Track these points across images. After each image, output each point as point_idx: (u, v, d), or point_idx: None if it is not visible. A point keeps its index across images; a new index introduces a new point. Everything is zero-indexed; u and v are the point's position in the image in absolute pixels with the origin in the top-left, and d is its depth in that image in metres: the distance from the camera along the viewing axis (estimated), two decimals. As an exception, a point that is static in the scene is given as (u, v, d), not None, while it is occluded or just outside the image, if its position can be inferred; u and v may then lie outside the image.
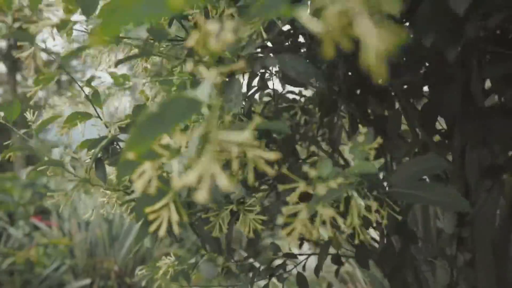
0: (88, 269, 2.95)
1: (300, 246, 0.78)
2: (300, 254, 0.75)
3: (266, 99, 0.90)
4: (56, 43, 0.43)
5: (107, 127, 0.48)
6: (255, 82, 0.58)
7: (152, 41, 0.47)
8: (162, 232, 0.28)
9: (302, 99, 0.94)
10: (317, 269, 0.71)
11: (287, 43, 0.57)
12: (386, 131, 0.71)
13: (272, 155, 0.22)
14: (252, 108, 0.66)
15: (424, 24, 0.34)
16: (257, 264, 0.74)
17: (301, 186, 0.29)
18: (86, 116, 0.49)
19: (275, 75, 0.68)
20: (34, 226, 3.11)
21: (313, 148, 0.95)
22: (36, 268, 2.24)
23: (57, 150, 0.50)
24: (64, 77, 0.56)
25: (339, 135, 0.86)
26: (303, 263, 0.74)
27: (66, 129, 0.47)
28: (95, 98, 0.49)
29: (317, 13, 0.18)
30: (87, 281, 2.78)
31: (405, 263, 0.63)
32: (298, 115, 0.96)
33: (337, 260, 0.69)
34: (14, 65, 11.11)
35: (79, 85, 0.49)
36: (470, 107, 0.54)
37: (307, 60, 0.44)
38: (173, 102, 0.22)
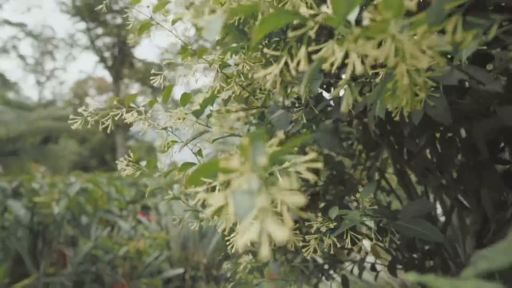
0: (182, 260, 3.37)
1: (348, 254, 0.98)
2: (347, 261, 0.95)
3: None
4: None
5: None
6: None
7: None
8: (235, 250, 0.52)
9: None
10: (360, 274, 0.92)
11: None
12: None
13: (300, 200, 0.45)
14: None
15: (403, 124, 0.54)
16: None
17: (316, 225, 0.52)
18: (193, 164, 0.75)
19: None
20: (138, 220, 3.63)
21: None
22: (143, 256, 2.69)
23: (176, 186, 0.77)
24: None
25: (385, 165, 1.05)
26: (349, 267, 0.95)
27: (181, 174, 0.74)
28: (199, 152, 0.75)
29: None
30: (181, 270, 3.20)
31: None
32: (355, 144, 1.15)
33: (373, 267, 0.88)
34: (118, 75, 12.53)
35: (189, 149, 0.75)
36: (469, 159, 0.71)
37: (334, 132, 0.66)
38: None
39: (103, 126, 0.65)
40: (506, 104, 0.46)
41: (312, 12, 0.34)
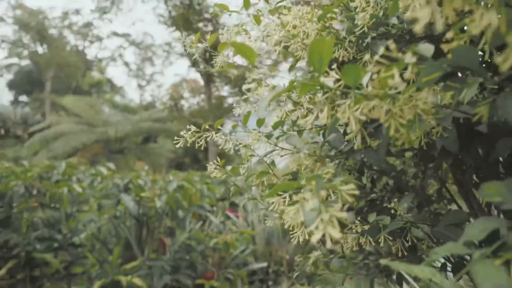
0: (265, 255, 3.61)
1: (403, 255, 1.09)
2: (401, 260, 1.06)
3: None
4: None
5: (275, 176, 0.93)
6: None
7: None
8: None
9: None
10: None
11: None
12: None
13: (343, 215, 0.61)
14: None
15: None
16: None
17: (358, 227, 0.66)
18: (267, 173, 0.93)
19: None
20: (226, 216, 3.96)
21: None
22: (230, 249, 2.97)
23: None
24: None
25: (446, 175, 1.12)
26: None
27: (258, 180, 0.92)
28: (272, 163, 0.93)
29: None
30: (264, 264, 3.44)
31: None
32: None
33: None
34: (209, 79, 13.36)
35: (264, 161, 0.94)
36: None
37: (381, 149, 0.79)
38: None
39: (199, 145, 0.86)
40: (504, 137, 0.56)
41: (337, 76, 0.50)
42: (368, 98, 0.45)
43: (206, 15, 11.47)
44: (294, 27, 0.67)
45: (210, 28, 11.68)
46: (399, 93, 0.44)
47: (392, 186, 1.04)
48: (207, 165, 0.99)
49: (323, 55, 0.44)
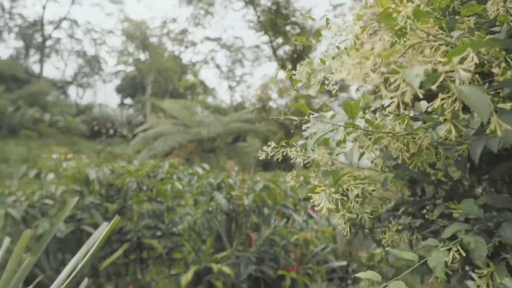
0: (346, 254, 3.76)
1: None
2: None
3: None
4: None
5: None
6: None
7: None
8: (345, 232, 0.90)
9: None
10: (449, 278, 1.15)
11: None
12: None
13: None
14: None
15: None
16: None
17: (394, 226, 0.86)
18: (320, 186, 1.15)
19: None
20: (309, 215, 4.18)
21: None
22: (310, 246, 3.20)
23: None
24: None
25: (501, 187, 1.22)
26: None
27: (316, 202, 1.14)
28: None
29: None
30: (344, 263, 3.60)
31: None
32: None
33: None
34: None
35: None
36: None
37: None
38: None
39: (276, 157, 1.11)
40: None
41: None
42: (386, 136, 0.66)
43: (293, 19, 11.79)
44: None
45: (297, 30, 12.00)
46: (407, 134, 0.64)
47: (443, 195, 1.18)
48: (286, 177, 1.23)
49: (353, 109, 0.66)
